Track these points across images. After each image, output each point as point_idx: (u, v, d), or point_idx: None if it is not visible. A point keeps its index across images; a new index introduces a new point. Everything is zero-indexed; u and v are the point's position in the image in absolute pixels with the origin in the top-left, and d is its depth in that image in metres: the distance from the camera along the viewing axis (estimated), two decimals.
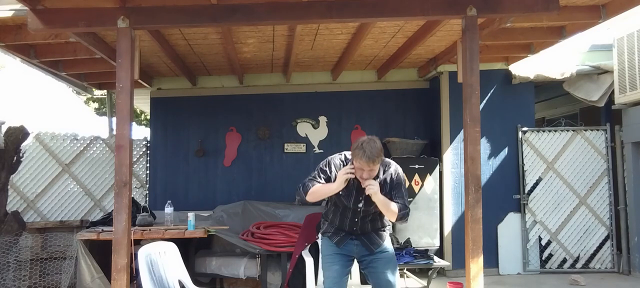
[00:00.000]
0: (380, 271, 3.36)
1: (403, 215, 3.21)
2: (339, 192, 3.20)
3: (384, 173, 3.28)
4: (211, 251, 5.84)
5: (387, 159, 3.36)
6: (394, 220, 3.25)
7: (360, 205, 3.26)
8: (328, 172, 3.26)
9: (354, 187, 3.23)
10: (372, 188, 3.10)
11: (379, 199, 3.12)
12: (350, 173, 3.13)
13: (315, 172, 3.30)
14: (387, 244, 3.46)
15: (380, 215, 3.35)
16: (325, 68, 6.80)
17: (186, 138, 7.06)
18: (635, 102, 6.14)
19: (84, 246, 5.06)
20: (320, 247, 3.57)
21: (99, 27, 4.09)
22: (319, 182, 3.23)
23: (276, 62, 6.39)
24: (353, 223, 3.33)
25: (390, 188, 3.26)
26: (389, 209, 3.17)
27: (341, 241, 3.38)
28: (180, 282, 3.94)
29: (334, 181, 3.20)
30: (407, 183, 6.02)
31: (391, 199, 3.21)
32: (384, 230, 3.44)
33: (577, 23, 5.01)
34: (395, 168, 3.32)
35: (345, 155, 3.31)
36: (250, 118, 7.02)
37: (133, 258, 3.91)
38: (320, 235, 3.58)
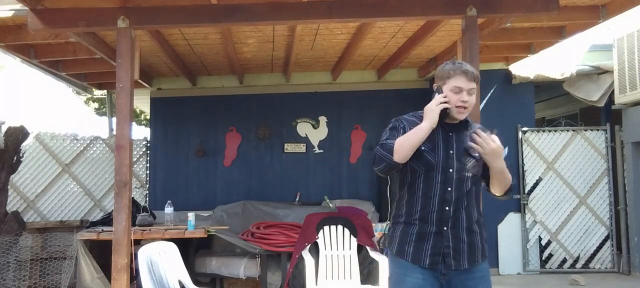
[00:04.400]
0: None
1: (512, 188, 2.39)
2: (421, 148, 2.24)
3: (479, 130, 2.31)
4: (211, 251, 5.84)
5: None
6: (502, 189, 2.36)
7: (452, 163, 2.26)
8: (401, 131, 2.31)
9: (439, 137, 2.29)
10: (493, 145, 2.20)
11: (500, 161, 2.25)
12: (445, 102, 2.24)
13: (386, 134, 2.34)
14: (485, 264, 2.36)
15: (477, 197, 2.34)
16: (325, 68, 6.80)
17: (186, 138, 7.06)
18: (635, 102, 6.14)
19: (84, 246, 5.06)
20: (389, 277, 2.40)
21: (99, 27, 4.09)
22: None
23: (276, 62, 6.39)
24: (443, 202, 2.25)
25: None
26: (506, 177, 2.31)
27: (422, 244, 2.26)
28: (180, 282, 3.93)
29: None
30: None
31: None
32: (482, 229, 2.37)
33: (577, 23, 5.01)
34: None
35: (413, 114, 2.40)
36: (250, 118, 7.02)
37: (133, 258, 3.91)
38: (387, 255, 2.42)
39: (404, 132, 2.27)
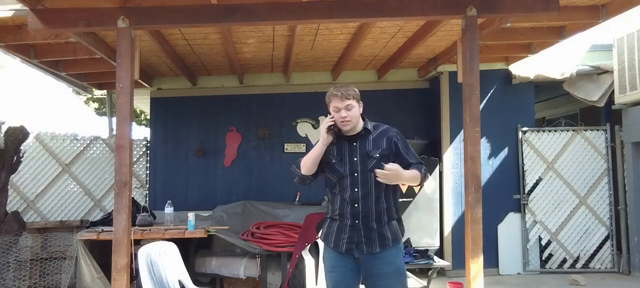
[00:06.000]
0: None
1: (425, 174, 2.85)
2: (332, 161, 2.86)
3: (380, 134, 2.91)
4: (211, 251, 5.83)
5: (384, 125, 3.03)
6: (417, 184, 2.87)
7: (357, 168, 2.83)
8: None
9: (346, 149, 2.88)
10: (386, 175, 2.69)
11: (402, 177, 2.73)
12: (331, 121, 2.84)
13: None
14: (396, 249, 2.89)
15: (387, 192, 2.85)
16: (325, 68, 6.80)
17: (186, 138, 7.06)
18: (635, 102, 6.14)
19: (84, 246, 5.06)
20: (322, 261, 3.09)
21: (99, 27, 4.08)
22: None
23: (276, 62, 6.39)
24: (353, 200, 2.82)
25: (405, 152, 2.89)
26: (412, 178, 2.79)
27: (341, 235, 2.85)
28: (180, 282, 3.94)
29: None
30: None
31: (408, 165, 2.83)
32: (393, 219, 2.89)
33: (577, 23, 5.01)
34: (396, 130, 2.96)
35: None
36: (250, 118, 7.02)
37: (133, 258, 3.91)
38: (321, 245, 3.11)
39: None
